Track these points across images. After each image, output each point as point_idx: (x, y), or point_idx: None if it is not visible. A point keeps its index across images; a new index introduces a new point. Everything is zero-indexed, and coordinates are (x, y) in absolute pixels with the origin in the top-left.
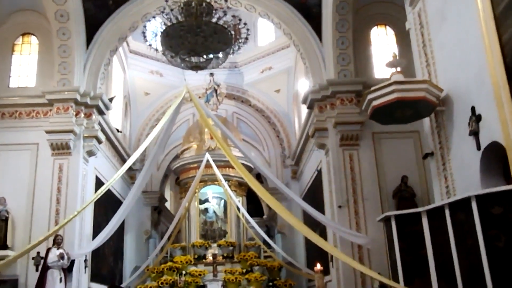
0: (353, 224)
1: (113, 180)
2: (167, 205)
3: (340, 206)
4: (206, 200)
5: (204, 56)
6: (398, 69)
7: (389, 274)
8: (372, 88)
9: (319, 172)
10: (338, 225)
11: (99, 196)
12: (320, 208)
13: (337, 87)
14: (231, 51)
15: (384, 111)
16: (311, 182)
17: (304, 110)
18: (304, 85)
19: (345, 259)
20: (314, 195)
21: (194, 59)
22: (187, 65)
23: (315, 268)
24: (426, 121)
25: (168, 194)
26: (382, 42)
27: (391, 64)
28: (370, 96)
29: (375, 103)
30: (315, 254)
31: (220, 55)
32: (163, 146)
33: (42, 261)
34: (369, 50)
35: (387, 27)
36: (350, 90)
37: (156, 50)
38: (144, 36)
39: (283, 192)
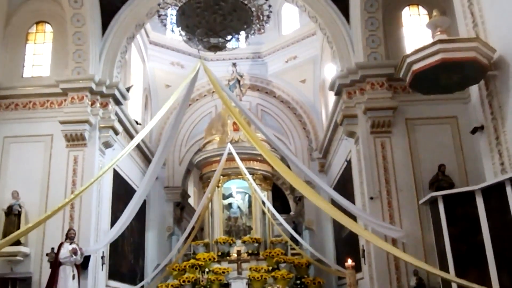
0: (386, 216)
1: (120, 157)
2: (191, 201)
3: (372, 198)
4: (230, 195)
5: (223, 37)
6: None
7: (437, 266)
8: (413, 50)
9: (349, 162)
10: (370, 217)
11: (100, 176)
12: (350, 201)
13: (366, 70)
14: (252, 31)
15: (426, 76)
16: (340, 174)
17: (331, 100)
18: (331, 72)
19: (385, 246)
20: (343, 188)
21: (212, 40)
22: (205, 45)
23: (346, 264)
24: (475, 89)
25: (191, 190)
26: (415, 23)
27: (432, 24)
28: (410, 59)
29: (415, 67)
30: (345, 250)
31: (240, 35)
32: (177, 127)
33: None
34: (400, 31)
35: (420, 7)
36: (381, 74)
37: (173, 31)
38: (159, 16)
39: (310, 179)
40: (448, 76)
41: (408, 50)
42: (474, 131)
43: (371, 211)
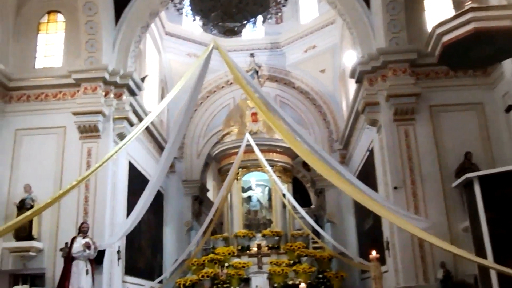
0: (411, 207)
1: (128, 141)
2: (209, 195)
3: (395, 188)
4: (249, 188)
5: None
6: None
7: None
8: (442, 20)
9: (371, 152)
10: (395, 207)
11: (105, 162)
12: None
13: (388, 56)
14: (269, 15)
15: (457, 49)
16: (362, 164)
17: (352, 89)
18: (351, 60)
19: (419, 233)
20: (365, 178)
21: (228, 24)
22: (220, 30)
23: (371, 256)
24: (509, 65)
25: (210, 184)
26: (437, 7)
27: None
28: (439, 30)
29: (445, 38)
30: (368, 243)
31: (257, 19)
32: (191, 110)
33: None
34: (423, 15)
35: None
36: (403, 59)
37: (187, 15)
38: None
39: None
40: (481, 49)
41: None
42: (509, 109)
43: (395, 202)
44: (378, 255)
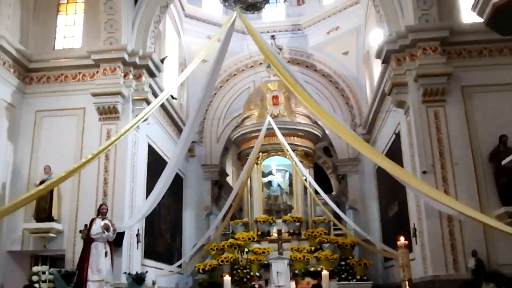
0: (440, 192)
1: (149, 113)
2: (229, 180)
3: (424, 172)
4: (270, 173)
5: None
6: None
7: None
8: None
9: (397, 135)
10: (425, 190)
11: (118, 139)
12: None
13: (418, 34)
14: None
15: (509, 11)
16: (387, 149)
17: (377, 72)
18: (377, 40)
19: (469, 211)
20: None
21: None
22: (242, 6)
23: (399, 243)
24: None
25: (229, 169)
26: None
27: None
28: None
29: None
30: (393, 231)
31: None
32: (212, 86)
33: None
34: None
35: None
36: (434, 37)
37: None
38: None
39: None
40: None
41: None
42: None
43: None
44: (406, 242)
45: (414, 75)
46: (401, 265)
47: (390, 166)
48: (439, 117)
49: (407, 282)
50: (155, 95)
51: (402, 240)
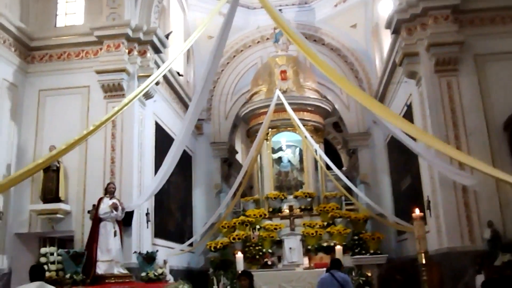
0: (455, 163)
1: (146, 88)
2: (238, 158)
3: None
4: (280, 149)
5: None
6: None
7: None
8: None
9: (409, 107)
10: (440, 160)
11: (133, 100)
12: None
13: (429, 2)
14: None
15: None
16: None
17: (386, 43)
18: (386, 11)
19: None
20: None
21: None
22: None
23: (414, 215)
24: None
25: (238, 146)
26: None
27: None
28: None
29: None
30: (405, 204)
31: None
32: (219, 57)
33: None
34: None
35: None
36: (445, 5)
37: None
38: None
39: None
40: None
41: None
42: None
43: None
44: (422, 214)
45: (425, 45)
46: (417, 238)
47: (410, 128)
48: (452, 87)
49: (423, 254)
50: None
51: (417, 212)
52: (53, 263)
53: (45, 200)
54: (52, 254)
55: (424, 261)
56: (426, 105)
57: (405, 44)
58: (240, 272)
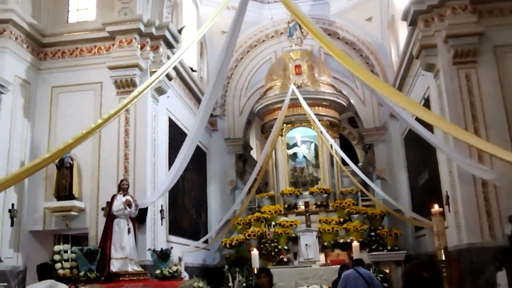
0: (474, 157)
1: (164, 73)
2: (253, 154)
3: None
4: (295, 145)
5: None
6: None
7: None
8: None
9: (427, 100)
10: (459, 154)
11: (144, 90)
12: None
13: None
14: None
15: None
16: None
17: (403, 36)
18: (402, 2)
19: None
20: None
21: None
22: None
23: (433, 210)
24: None
25: (253, 142)
26: None
27: None
28: None
29: None
30: (423, 199)
31: None
32: (232, 50)
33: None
34: None
35: None
36: None
37: None
38: None
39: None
40: None
41: None
42: None
43: (456, 152)
44: (441, 209)
45: (443, 36)
46: (436, 233)
47: (430, 117)
48: (470, 79)
49: (442, 250)
50: (174, 67)
51: (436, 207)
52: (67, 260)
53: (59, 197)
54: (66, 251)
55: (443, 258)
56: (445, 98)
57: (422, 36)
58: (259, 269)
